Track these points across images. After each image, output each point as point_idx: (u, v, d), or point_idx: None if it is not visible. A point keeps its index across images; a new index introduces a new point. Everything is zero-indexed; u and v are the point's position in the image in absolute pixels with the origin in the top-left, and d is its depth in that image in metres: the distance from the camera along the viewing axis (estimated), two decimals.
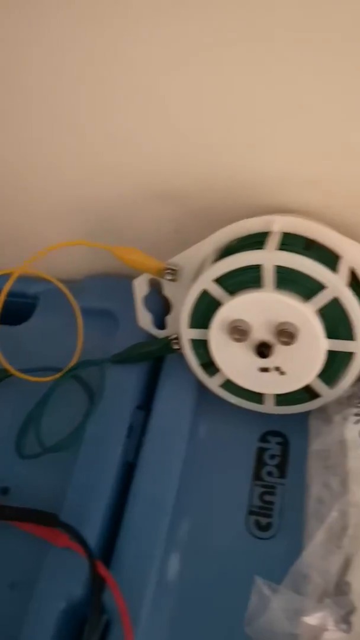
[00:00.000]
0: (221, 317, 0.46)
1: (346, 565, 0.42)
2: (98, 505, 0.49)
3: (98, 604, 0.42)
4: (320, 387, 0.48)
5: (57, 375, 0.56)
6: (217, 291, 0.46)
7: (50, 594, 0.44)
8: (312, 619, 0.37)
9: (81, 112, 0.51)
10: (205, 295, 0.47)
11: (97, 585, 0.43)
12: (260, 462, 0.51)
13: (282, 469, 0.51)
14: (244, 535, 0.48)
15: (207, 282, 0.46)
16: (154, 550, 0.47)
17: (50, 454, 0.52)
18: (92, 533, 0.47)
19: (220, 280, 0.46)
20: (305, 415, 0.51)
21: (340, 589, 0.41)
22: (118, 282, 0.59)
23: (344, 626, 0.39)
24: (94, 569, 0.43)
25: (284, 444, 0.52)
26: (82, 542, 0.44)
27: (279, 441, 0.52)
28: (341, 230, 0.49)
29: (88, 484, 0.50)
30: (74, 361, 0.57)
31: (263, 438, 0.53)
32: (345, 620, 0.39)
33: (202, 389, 0.54)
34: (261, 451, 0.52)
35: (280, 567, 0.42)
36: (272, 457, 0.52)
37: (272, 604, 0.38)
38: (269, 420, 0.53)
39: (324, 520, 0.43)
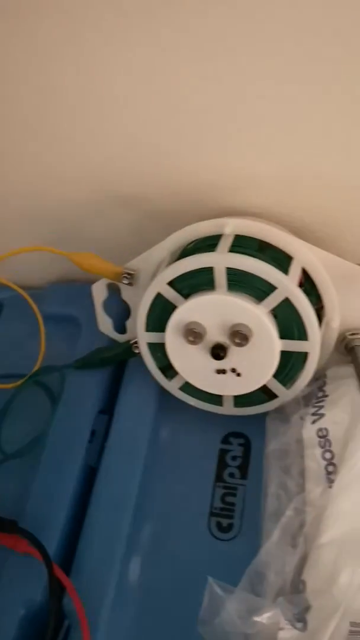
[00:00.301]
0: (176, 320, 0.47)
1: (302, 564, 0.42)
2: (59, 510, 0.49)
3: (56, 607, 0.43)
4: (276, 387, 0.49)
5: (19, 382, 0.56)
6: (171, 294, 0.47)
7: (9, 601, 0.44)
8: (263, 618, 0.37)
9: (36, 118, 0.51)
10: (160, 298, 0.47)
11: (54, 588, 0.43)
12: (222, 464, 0.52)
13: (243, 470, 0.51)
14: (205, 536, 0.48)
15: (161, 285, 0.47)
16: (115, 554, 0.47)
17: (12, 460, 0.52)
18: (53, 538, 0.47)
19: (173, 283, 0.47)
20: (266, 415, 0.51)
21: (296, 587, 0.41)
22: (81, 288, 0.59)
23: (299, 625, 0.40)
24: (51, 572, 0.43)
25: (246, 445, 0.52)
26: (39, 546, 0.44)
27: (241, 442, 0.53)
28: (295, 231, 0.50)
29: (49, 489, 0.50)
30: (36, 367, 0.57)
31: (225, 439, 0.53)
32: (300, 618, 0.40)
33: (164, 392, 0.54)
34: (223, 453, 0.52)
35: (242, 568, 0.42)
36: (234, 458, 0.52)
37: (225, 604, 0.38)
38: (231, 421, 0.53)
39: (280, 519, 0.43)
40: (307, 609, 0.40)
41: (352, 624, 0.38)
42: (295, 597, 0.40)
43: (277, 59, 0.43)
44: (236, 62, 0.44)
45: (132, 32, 0.44)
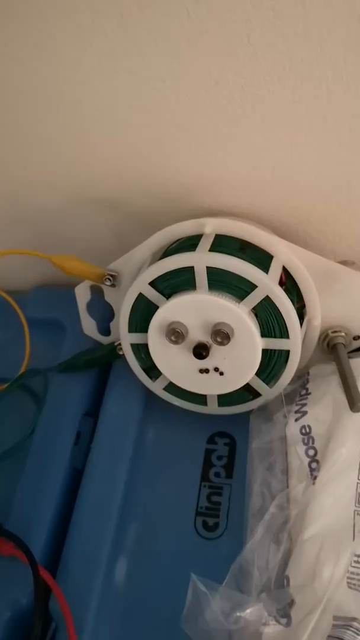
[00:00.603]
0: (158, 320, 0.47)
1: (285, 560, 0.42)
2: (45, 512, 0.49)
3: (41, 609, 0.43)
4: (259, 386, 0.49)
5: (4, 386, 0.56)
6: (153, 294, 0.47)
7: None
8: (246, 614, 0.38)
9: (13, 121, 0.51)
10: (141, 299, 0.48)
11: (39, 590, 0.43)
12: (207, 464, 0.52)
13: (229, 470, 0.51)
14: (191, 536, 0.48)
15: (142, 285, 0.47)
16: (101, 555, 0.47)
17: None
18: (39, 540, 0.47)
19: (155, 284, 0.47)
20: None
21: (280, 583, 0.41)
22: (65, 291, 0.60)
23: (284, 620, 0.40)
24: (37, 574, 0.43)
25: (231, 445, 0.53)
26: (25, 549, 0.44)
27: (226, 442, 0.53)
28: (275, 230, 0.50)
29: (35, 492, 0.50)
30: (20, 371, 0.57)
31: (210, 439, 0.53)
32: (284, 614, 0.40)
33: (149, 393, 0.54)
34: (209, 452, 0.53)
35: (228, 566, 0.42)
36: (220, 458, 0.52)
37: (209, 600, 0.38)
38: (216, 421, 0.53)
39: (264, 516, 0.43)
40: (291, 604, 0.40)
41: (335, 617, 0.38)
42: (279, 592, 0.40)
43: (242, 59, 0.43)
44: (205, 64, 0.44)
45: (106, 34, 0.44)
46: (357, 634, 0.37)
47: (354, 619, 0.38)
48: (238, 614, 0.37)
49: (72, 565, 0.47)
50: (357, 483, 0.43)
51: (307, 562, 0.40)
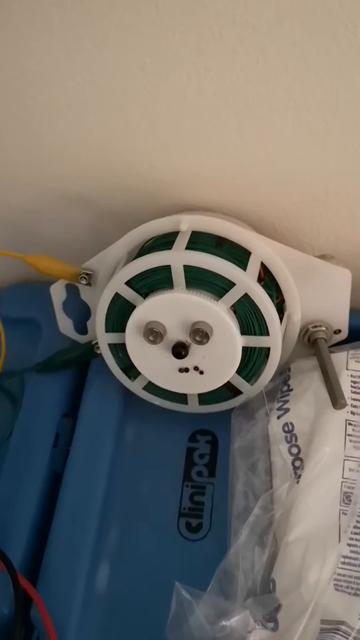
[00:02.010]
0: (135, 320, 0.46)
1: (271, 563, 0.41)
2: (24, 518, 0.48)
3: (21, 618, 0.42)
4: (240, 383, 0.48)
5: None
6: (129, 294, 0.46)
7: None
8: (231, 622, 0.37)
9: None
10: (118, 298, 0.46)
11: (19, 599, 0.42)
12: (189, 462, 0.51)
13: (211, 468, 0.51)
14: (175, 538, 0.48)
15: (118, 285, 0.46)
16: (83, 561, 0.46)
17: None
18: (18, 547, 0.46)
19: (131, 283, 0.46)
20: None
21: (266, 587, 0.41)
22: (40, 290, 0.58)
23: (270, 625, 0.39)
24: (16, 583, 0.42)
25: (213, 442, 0.52)
26: (3, 556, 0.43)
27: (208, 440, 0.52)
28: (253, 225, 0.49)
29: (13, 496, 0.49)
30: None
31: (192, 437, 0.53)
32: (271, 618, 0.39)
33: (129, 391, 0.53)
34: (190, 451, 0.52)
35: (213, 568, 0.42)
36: (202, 456, 0.51)
37: (194, 609, 0.38)
38: (198, 419, 0.52)
39: (248, 518, 0.43)
40: (277, 608, 0.39)
41: (323, 621, 0.38)
42: (265, 597, 0.39)
43: (214, 54, 0.42)
44: (177, 58, 0.43)
45: (74, 30, 0.42)
46: (346, 638, 0.37)
47: (342, 623, 0.37)
48: (223, 622, 0.36)
49: (53, 571, 0.46)
50: (342, 482, 0.42)
51: (292, 565, 0.40)
